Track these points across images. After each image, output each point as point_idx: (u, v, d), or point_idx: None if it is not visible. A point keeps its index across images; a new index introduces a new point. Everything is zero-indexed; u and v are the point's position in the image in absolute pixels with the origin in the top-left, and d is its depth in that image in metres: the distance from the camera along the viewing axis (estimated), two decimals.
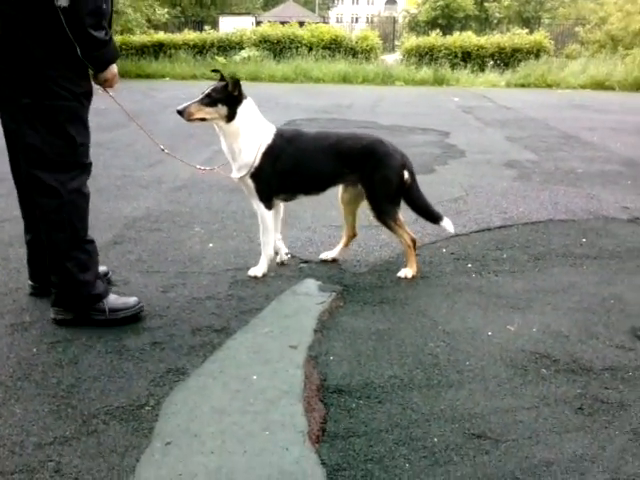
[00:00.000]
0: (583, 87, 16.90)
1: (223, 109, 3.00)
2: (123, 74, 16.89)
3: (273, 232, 3.26)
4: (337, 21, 47.49)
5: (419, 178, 5.57)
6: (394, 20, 35.10)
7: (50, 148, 2.50)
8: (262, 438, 1.95)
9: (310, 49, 18.79)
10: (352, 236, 3.53)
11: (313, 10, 46.37)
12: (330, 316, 2.82)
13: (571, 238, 3.99)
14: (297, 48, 18.78)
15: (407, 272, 3.30)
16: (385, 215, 3.26)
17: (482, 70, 18.36)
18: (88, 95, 2.63)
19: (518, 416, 2.09)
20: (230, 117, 3.02)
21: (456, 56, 18.76)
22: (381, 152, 3.20)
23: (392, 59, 21.52)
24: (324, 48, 18.89)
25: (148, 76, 17.56)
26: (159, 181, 5.43)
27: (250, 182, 3.13)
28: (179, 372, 2.32)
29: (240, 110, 3.03)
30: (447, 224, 3.40)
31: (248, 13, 34.72)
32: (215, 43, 19.55)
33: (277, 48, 19.00)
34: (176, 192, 5.05)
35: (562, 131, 8.79)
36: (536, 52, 18.65)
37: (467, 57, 18.83)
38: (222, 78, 3.10)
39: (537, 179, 5.72)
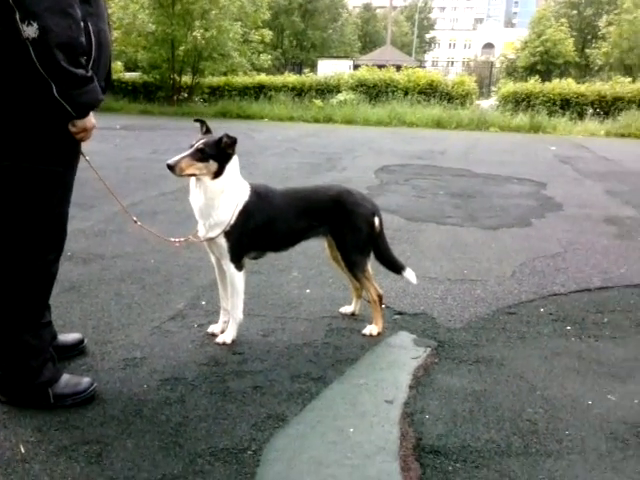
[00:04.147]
0: None
1: (214, 165, 2.80)
2: (225, 114, 17.78)
3: (243, 294, 3.06)
4: (433, 65, 47.96)
5: (515, 230, 5.63)
6: (491, 65, 35.00)
7: (25, 216, 2.25)
8: None
9: (406, 93, 18.98)
10: (359, 287, 3.43)
11: (410, 54, 46.93)
12: (425, 372, 2.84)
13: None
14: (393, 92, 19.03)
15: (372, 329, 3.24)
16: (355, 267, 3.21)
17: (581, 118, 17.87)
18: (75, 157, 2.37)
19: None
20: (217, 174, 2.83)
21: (554, 103, 18.37)
22: (350, 202, 3.16)
23: (488, 105, 21.37)
24: (420, 93, 19.02)
25: (248, 117, 18.17)
26: None
27: (223, 242, 2.92)
28: (279, 418, 2.40)
29: (227, 167, 2.86)
30: (409, 275, 3.33)
31: (346, 57, 35.63)
32: (313, 86, 20.15)
33: (373, 92, 19.30)
34: None
35: None
36: (639, 101, 17.97)
37: (566, 105, 18.38)
38: (207, 130, 2.94)
39: (639, 238, 5.52)
